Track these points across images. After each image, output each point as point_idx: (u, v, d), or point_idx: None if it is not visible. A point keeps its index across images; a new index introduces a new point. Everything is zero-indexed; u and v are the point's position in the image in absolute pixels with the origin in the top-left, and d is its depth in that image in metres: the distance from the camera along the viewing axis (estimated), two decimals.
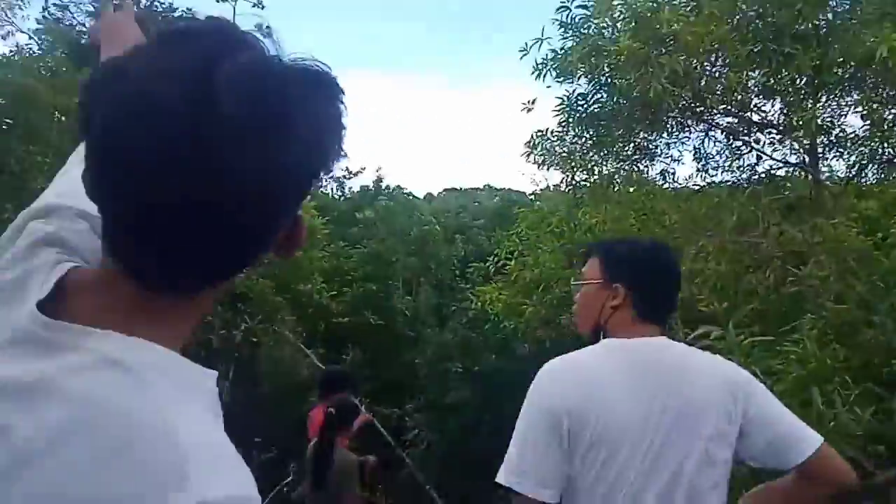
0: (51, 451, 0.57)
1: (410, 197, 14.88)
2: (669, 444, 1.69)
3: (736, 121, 8.64)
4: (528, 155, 8.62)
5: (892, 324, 3.89)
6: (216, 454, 0.62)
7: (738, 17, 7.04)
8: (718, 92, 7.64)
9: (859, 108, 7.84)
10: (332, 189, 16.87)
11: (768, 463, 1.79)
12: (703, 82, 7.38)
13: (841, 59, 6.97)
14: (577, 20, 7.35)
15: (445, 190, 23.72)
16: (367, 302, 11.55)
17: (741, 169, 9.25)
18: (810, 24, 6.93)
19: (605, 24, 7.18)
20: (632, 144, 8.88)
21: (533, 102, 8.16)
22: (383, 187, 15.86)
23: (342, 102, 0.70)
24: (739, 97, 7.95)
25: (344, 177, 16.75)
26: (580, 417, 1.68)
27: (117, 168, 0.59)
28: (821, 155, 8.57)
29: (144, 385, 0.61)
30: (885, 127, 7.79)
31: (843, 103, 8.14)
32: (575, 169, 8.63)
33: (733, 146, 9.13)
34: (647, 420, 1.69)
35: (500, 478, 1.73)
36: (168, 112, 0.57)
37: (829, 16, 7.15)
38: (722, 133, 8.99)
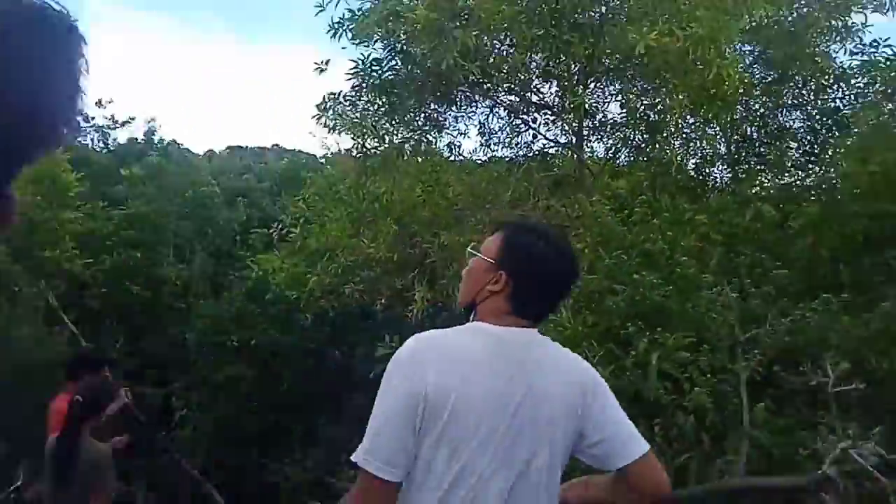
0: None
1: (187, 153, 13.47)
2: (521, 439, 1.69)
3: (518, 100, 9.14)
4: (319, 118, 8.25)
5: (631, 291, 4.32)
6: None
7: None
8: (504, 70, 7.97)
9: (619, 98, 8.73)
10: (91, 140, 14.67)
11: (595, 462, 1.81)
12: (491, 59, 7.63)
13: (609, 51, 7.63)
14: None
15: (229, 148, 22.02)
16: (131, 271, 10.23)
17: (519, 146, 9.86)
18: (587, 15, 7.48)
19: None
20: (422, 115, 8.97)
21: (326, 63, 7.82)
22: (156, 141, 14.18)
23: (79, 55, 0.56)
24: (522, 77, 8.39)
25: (108, 126, 14.60)
26: (437, 398, 1.65)
27: None
28: (585, 137, 9.44)
29: None
30: (638, 115, 8.76)
31: (608, 92, 9.01)
32: (366, 135, 8.48)
33: (514, 124, 9.67)
34: (505, 410, 1.68)
35: (356, 457, 1.67)
36: None
37: (603, 9, 7.77)
38: (505, 110, 9.48)
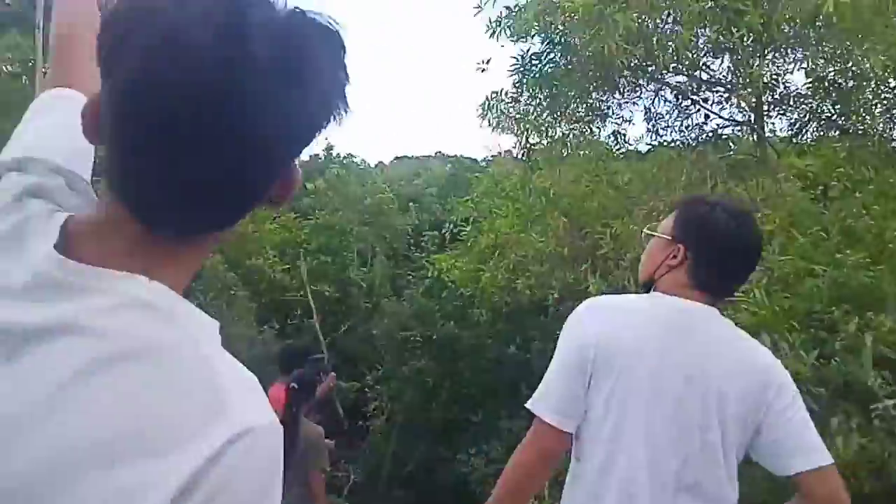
0: (83, 387, 0.59)
1: (363, 165, 14.49)
2: (692, 406, 1.66)
3: (686, 79, 8.71)
4: (483, 118, 8.49)
5: (833, 273, 3.98)
6: (249, 387, 0.66)
7: None
8: (670, 50, 7.64)
9: (804, 66, 7.99)
10: None
11: (767, 462, 1.73)
12: (655, 40, 7.36)
13: (788, 17, 7.04)
14: None
15: (396, 158, 23.25)
16: (322, 274, 11.28)
17: (689, 129, 9.36)
18: None
19: None
20: (584, 105, 8.86)
21: (487, 62, 8.03)
22: (333, 156, 15.43)
23: (346, 59, 0.69)
24: (690, 55, 7.98)
25: None
26: (609, 347, 1.69)
27: (150, 109, 0.60)
28: (765, 113, 8.74)
29: (177, 323, 0.65)
30: (826, 84, 7.96)
31: (788, 60, 8.29)
32: (529, 131, 8.56)
33: (682, 105, 9.21)
34: (677, 373, 1.68)
35: (528, 403, 1.77)
36: (204, 56, 0.58)
37: None
38: (672, 92, 9.07)
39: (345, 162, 15.16)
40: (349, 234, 11.99)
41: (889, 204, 5.29)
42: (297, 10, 0.65)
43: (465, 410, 8.44)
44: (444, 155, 22.84)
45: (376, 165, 20.31)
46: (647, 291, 1.85)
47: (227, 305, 9.02)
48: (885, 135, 8.35)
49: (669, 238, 1.82)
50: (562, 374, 1.73)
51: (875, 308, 3.76)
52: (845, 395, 3.47)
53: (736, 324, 3.56)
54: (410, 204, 13.02)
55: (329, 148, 15.64)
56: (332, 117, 0.69)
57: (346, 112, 0.69)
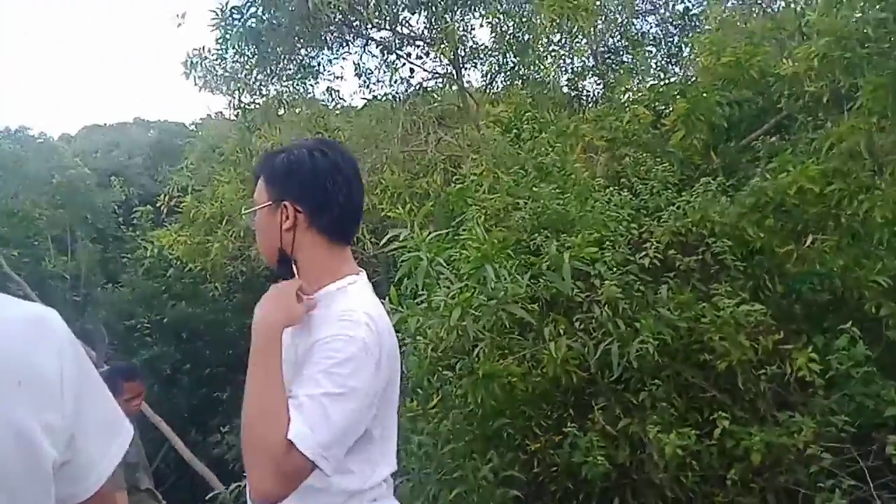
0: None
1: (43, 138, 12.27)
2: None
3: (390, 34, 9.04)
4: (187, 77, 7.80)
5: (532, 205, 4.54)
6: None
7: None
8: (371, 4, 7.83)
9: (488, 21, 8.85)
10: None
11: None
12: None
13: None
14: None
15: (86, 128, 20.20)
16: (12, 270, 9.43)
17: (398, 83, 9.81)
18: None
19: None
20: (294, 62, 8.69)
21: (183, 16, 7.36)
22: (1, 129, 12.80)
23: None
24: (390, 10, 8.28)
25: None
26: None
27: None
28: (462, 66, 9.53)
29: None
30: (507, 38, 8.94)
31: (475, 16, 9.10)
32: (240, 90, 8.13)
33: (389, 60, 9.58)
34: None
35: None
36: None
37: None
38: (378, 48, 9.35)
39: (17, 136, 12.71)
40: (37, 219, 10.19)
41: (568, 140, 6.23)
42: None
43: (211, 390, 7.99)
44: (144, 121, 20.62)
45: (60, 138, 17.49)
46: (286, 277, 1.56)
47: None
48: (556, 81, 9.74)
49: (270, 203, 1.54)
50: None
51: (566, 231, 4.43)
52: (553, 306, 4.07)
53: (465, 259, 3.95)
54: (112, 178, 11.48)
55: None
56: None
57: None
